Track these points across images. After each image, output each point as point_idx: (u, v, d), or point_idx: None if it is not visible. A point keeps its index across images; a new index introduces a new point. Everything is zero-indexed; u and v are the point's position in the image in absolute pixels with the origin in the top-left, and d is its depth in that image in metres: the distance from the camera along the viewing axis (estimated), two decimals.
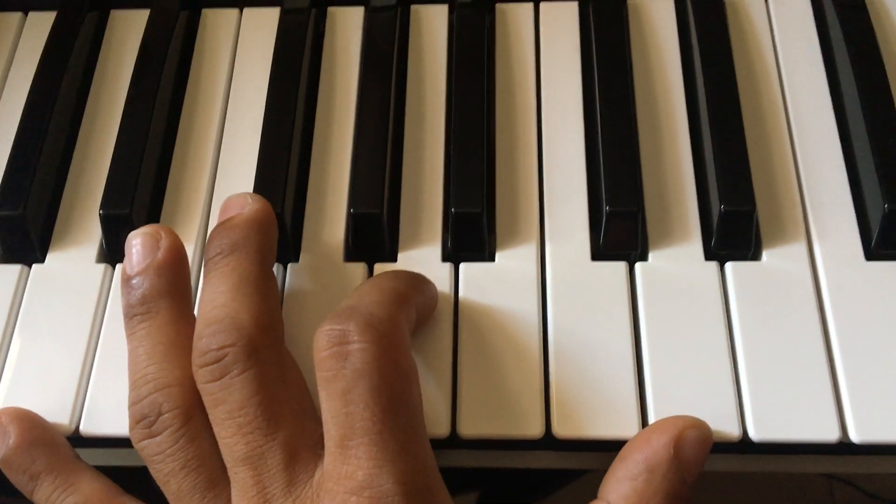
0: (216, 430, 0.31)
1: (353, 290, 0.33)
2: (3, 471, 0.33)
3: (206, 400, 0.31)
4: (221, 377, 0.30)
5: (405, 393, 0.30)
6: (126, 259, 0.34)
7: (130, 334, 0.33)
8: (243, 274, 0.32)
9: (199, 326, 0.31)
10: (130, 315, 0.33)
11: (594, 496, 0.32)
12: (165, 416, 0.31)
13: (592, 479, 0.34)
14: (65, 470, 0.33)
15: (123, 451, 0.36)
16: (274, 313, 0.32)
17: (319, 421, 0.31)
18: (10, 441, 0.33)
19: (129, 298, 0.33)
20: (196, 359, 0.31)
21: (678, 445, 0.31)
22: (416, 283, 0.34)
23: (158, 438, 0.31)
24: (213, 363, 0.30)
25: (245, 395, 0.30)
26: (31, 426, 0.33)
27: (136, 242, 0.34)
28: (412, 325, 0.33)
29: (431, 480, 0.30)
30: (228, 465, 0.30)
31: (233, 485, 0.30)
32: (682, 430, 0.31)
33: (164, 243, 0.34)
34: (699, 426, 0.32)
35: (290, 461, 0.30)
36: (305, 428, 0.31)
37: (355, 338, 0.29)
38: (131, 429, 0.32)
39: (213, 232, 0.34)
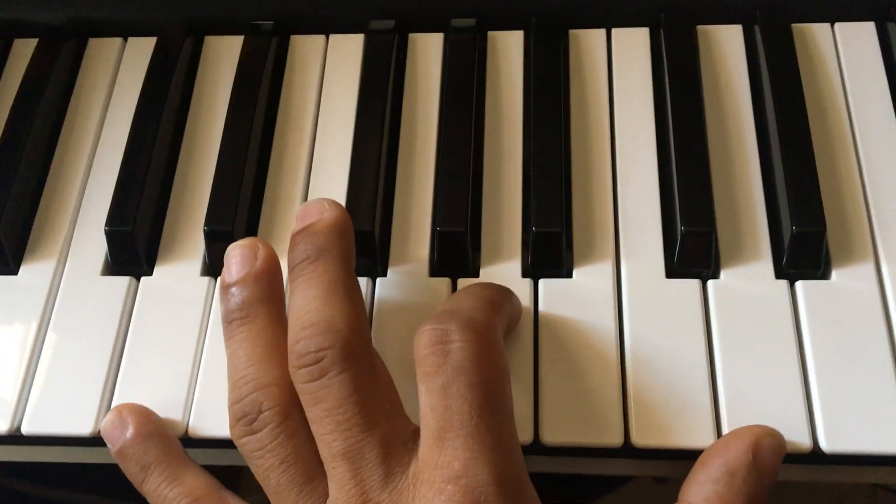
0: (314, 427, 0.32)
1: (449, 297, 0.35)
2: (119, 460, 0.36)
3: (305, 399, 0.33)
4: (320, 377, 0.32)
5: (500, 391, 0.32)
6: (225, 269, 0.36)
7: (229, 338, 0.35)
8: (332, 278, 0.34)
9: (294, 330, 0.33)
10: (230, 320, 0.35)
11: (646, 501, 0.34)
12: (266, 413, 0.33)
13: (638, 485, 0.35)
14: (173, 463, 0.35)
15: (221, 452, 0.38)
16: (363, 315, 0.34)
17: (408, 418, 0.33)
18: (129, 432, 0.35)
19: (229, 305, 0.35)
20: (294, 360, 0.33)
21: (756, 451, 0.33)
22: (507, 294, 0.36)
23: (259, 435, 0.33)
24: (311, 364, 0.32)
25: (343, 394, 0.32)
26: (148, 420, 0.36)
27: (236, 254, 0.36)
28: (504, 332, 0.35)
29: (521, 473, 0.31)
30: (326, 460, 0.32)
31: (330, 479, 0.32)
32: (759, 438, 0.33)
33: (262, 254, 0.36)
34: (774, 434, 0.34)
35: (386, 455, 0.31)
36: (397, 424, 0.32)
37: (456, 337, 0.31)
38: (232, 426, 0.34)
39: (295, 237, 0.36)
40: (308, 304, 0.33)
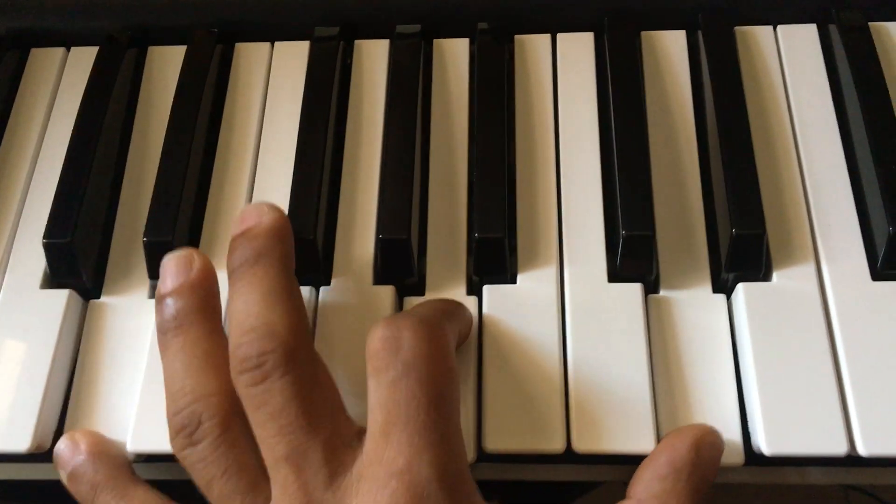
0: (257, 431, 0.32)
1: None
2: (70, 483, 0.35)
3: (247, 403, 0.32)
4: (262, 381, 0.32)
5: (449, 389, 0.32)
6: (161, 280, 0.36)
7: (165, 349, 0.35)
8: (272, 282, 0.34)
9: (235, 335, 0.33)
10: (164, 331, 0.35)
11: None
12: (205, 425, 0.33)
13: (606, 489, 0.35)
14: (122, 482, 0.35)
15: (167, 466, 0.38)
16: (303, 318, 0.34)
17: (351, 419, 0.33)
18: (80, 455, 0.35)
19: (164, 315, 0.35)
20: (236, 365, 0.32)
21: (698, 449, 0.34)
22: (459, 306, 0.36)
23: (199, 447, 0.33)
24: (253, 369, 0.32)
25: (286, 397, 0.32)
26: (99, 442, 0.36)
27: (171, 264, 0.36)
28: (456, 341, 0.35)
29: (465, 471, 0.32)
30: (269, 463, 0.32)
31: (273, 483, 0.32)
32: (701, 436, 0.34)
33: (197, 264, 0.36)
34: (713, 433, 0.35)
35: (329, 457, 0.31)
36: (341, 426, 0.32)
37: (408, 334, 0.32)
38: (172, 439, 0.33)
39: (234, 241, 0.35)
40: (248, 308, 0.33)
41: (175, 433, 0.33)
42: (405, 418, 0.30)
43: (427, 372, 0.31)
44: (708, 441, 0.34)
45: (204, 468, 0.33)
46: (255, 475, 0.33)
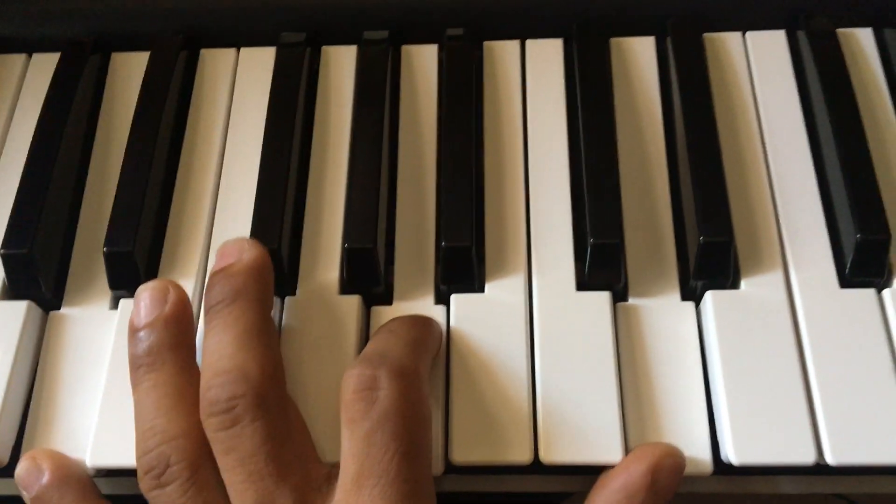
0: (226, 476, 0.32)
1: (376, 336, 0.35)
2: None
3: (216, 448, 0.32)
4: (232, 426, 0.32)
5: (422, 439, 0.32)
6: (134, 311, 0.35)
7: (136, 385, 0.34)
8: (247, 324, 0.34)
9: (206, 376, 0.33)
10: (137, 366, 0.34)
11: None
12: (174, 468, 0.32)
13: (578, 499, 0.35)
14: None
15: (127, 480, 0.37)
16: (277, 361, 0.34)
17: (320, 462, 0.33)
18: (44, 479, 0.34)
19: (136, 350, 0.34)
20: (206, 408, 0.32)
21: (655, 472, 0.33)
22: (430, 329, 0.36)
23: (168, 489, 0.32)
24: (223, 413, 0.32)
25: (255, 443, 0.31)
26: (63, 464, 0.35)
27: (145, 296, 0.35)
28: (429, 374, 0.35)
29: None
30: None
31: None
32: (659, 459, 0.33)
33: (171, 297, 0.35)
34: (674, 454, 0.34)
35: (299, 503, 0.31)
36: (310, 471, 0.32)
37: (384, 384, 0.31)
38: (141, 479, 0.33)
39: (212, 278, 0.35)
40: (221, 349, 0.33)
41: (143, 473, 0.33)
42: (378, 471, 0.30)
43: (402, 424, 0.31)
44: (666, 464, 0.33)
45: None
46: None
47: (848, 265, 0.37)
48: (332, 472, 0.33)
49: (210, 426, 0.32)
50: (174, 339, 0.34)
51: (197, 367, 0.35)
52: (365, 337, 0.38)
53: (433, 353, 0.35)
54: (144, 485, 0.33)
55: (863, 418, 0.34)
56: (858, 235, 0.37)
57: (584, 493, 0.35)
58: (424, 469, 0.32)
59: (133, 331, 0.35)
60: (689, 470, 0.34)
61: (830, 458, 0.34)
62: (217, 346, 0.33)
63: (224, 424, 0.32)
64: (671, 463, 0.33)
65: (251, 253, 0.35)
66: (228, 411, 0.32)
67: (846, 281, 0.37)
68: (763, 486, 0.36)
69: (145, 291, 0.35)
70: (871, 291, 0.37)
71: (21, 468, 0.35)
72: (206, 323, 0.34)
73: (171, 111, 0.43)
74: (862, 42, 0.44)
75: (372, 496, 0.30)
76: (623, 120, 0.42)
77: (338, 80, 0.45)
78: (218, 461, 0.32)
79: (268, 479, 0.31)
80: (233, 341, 0.33)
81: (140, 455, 0.33)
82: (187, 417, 0.33)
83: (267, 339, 0.34)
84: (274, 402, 0.32)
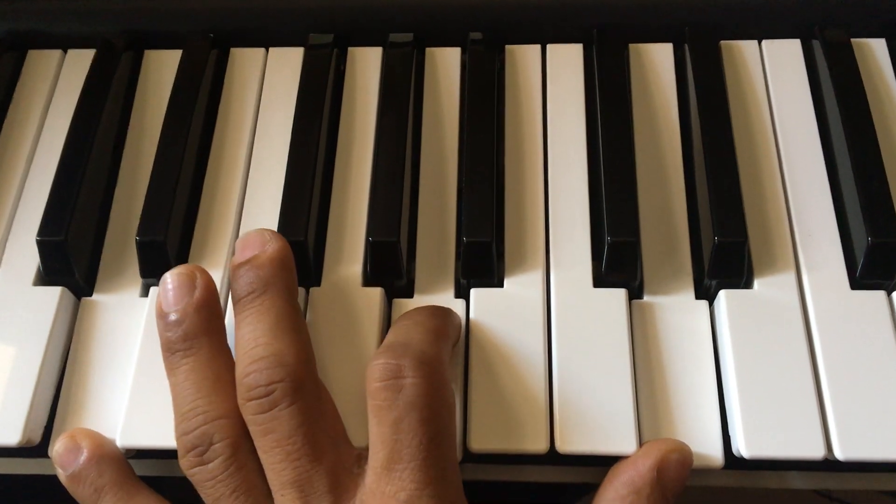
0: (263, 457, 0.33)
1: (398, 326, 0.36)
2: (71, 484, 0.36)
3: (254, 430, 0.34)
4: (270, 409, 0.33)
5: (448, 425, 0.33)
6: (162, 296, 0.36)
7: (174, 369, 0.35)
8: (279, 312, 0.35)
9: (243, 363, 0.34)
10: (173, 351, 0.35)
11: None
12: (217, 445, 0.34)
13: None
14: (126, 485, 0.36)
15: (155, 462, 0.38)
16: (309, 347, 0.35)
17: (351, 444, 0.35)
18: (83, 457, 0.35)
19: (171, 335, 0.35)
20: (244, 393, 0.34)
21: (661, 468, 0.34)
22: (450, 319, 0.37)
23: (210, 466, 0.34)
24: (261, 397, 0.33)
25: (293, 425, 0.33)
26: (101, 444, 0.36)
27: (173, 281, 0.36)
28: (450, 362, 0.36)
29: (462, 501, 0.33)
30: (275, 488, 0.33)
31: None
32: (666, 454, 0.34)
33: (200, 282, 0.36)
34: (681, 449, 0.34)
35: (333, 484, 0.33)
36: (343, 452, 0.34)
37: (409, 373, 0.32)
38: (181, 457, 0.34)
39: (238, 270, 0.36)
40: (256, 337, 0.34)
41: (185, 452, 0.34)
42: (407, 455, 0.32)
43: (428, 410, 0.32)
44: (673, 459, 0.34)
45: (213, 487, 0.34)
46: (263, 496, 0.34)
47: (859, 267, 0.38)
48: (363, 454, 0.34)
49: (248, 409, 0.33)
50: (208, 323, 0.36)
51: (230, 351, 0.36)
52: (386, 328, 0.39)
53: (453, 341, 0.36)
54: (186, 462, 0.34)
55: (871, 415, 0.35)
56: (870, 239, 0.37)
57: (597, 489, 0.36)
58: (450, 453, 0.33)
59: (163, 315, 0.36)
60: (700, 463, 0.35)
61: (839, 453, 0.34)
62: (252, 335, 0.34)
63: (263, 408, 0.33)
64: (678, 458, 0.34)
65: (275, 244, 0.36)
66: (267, 395, 0.33)
67: (857, 283, 0.38)
68: (772, 481, 0.37)
69: (172, 276, 0.36)
70: (881, 293, 0.38)
71: (59, 446, 0.36)
72: (238, 313, 0.36)
73: (201, 107, 0.45)
74: (876, 52, 0.45)
75: (402, 479, 0.32)
76: (640, 123, 0.43)
77: (363, 80, 0.46)
78: (256, 443, 0.34)
79: (304, 460, 0.33)
80: (267, 330, 0.34)
81: (181, 434, 0.34)
82: (226, 400, 0.34)
83: (298, 327, 0.35)
84: (309, 387, 0.34)
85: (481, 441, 0.36)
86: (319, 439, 0.33)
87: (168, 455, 0.36)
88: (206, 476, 0.34)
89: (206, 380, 0.35)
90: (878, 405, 0.35)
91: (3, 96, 0.46)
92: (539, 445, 0.35)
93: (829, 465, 0.35)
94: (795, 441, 0.35)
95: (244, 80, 0.46)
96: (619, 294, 0.38)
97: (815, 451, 0.35)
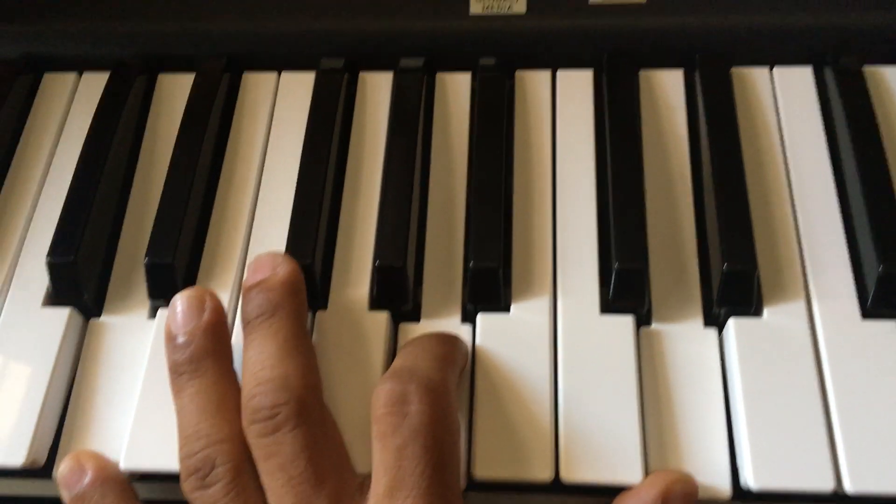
0: (266, 480, 0.33)
1: (405, 351, 0.36)
2: None
3: (257, 453, 0.34)
4: (274, 433, 0.33)
5: (452, 453, 0.33)
6: (170, 319, 0.36)
7: (179, 391, 0.36)
8: (287, 335, 0.35)
9: (249, 385, 0.34)
10: (179, 372, 0.36)
11: None
12: (219, 469, 0.34)
13: None
14: None
15: (159, 486, 0.38)
16: (315, 371, 0.35)
17: (354, 470, 0.34)
18: (87, 479, 0.35)
19: (177, 357, 0.36)
20: (249, 415, 0.34)
21: (666, 499, 0.33)
22: (458, 346, 0.37)
23: (211, 490, 0.33)
24: (266, 420, 0.33)
25: (296, 449, 0.33)
26: (104, 465, 0.36)
27: (182, 303, 0.36)
28: (456, 389, 0.35)
29: None
30: None
31: None
32: (670, 485, 0.34)
33: (209, 305, 0.36)
34: (686, 481, 0.34)
35: None
36: (345, 479, 0.34)
37: (415, 399, 0.32)
38: (184, 480, 0.34)
39: (248, 291, 0.36)
40: (263, 360, 0.34)
41: (188, 475, 0.34)
42: (410, 483, 0.31)
43: (432, 438, 0.32)
44: (678, 490, 0.34)
45: None
46: None
47: (870, 297, 0.38)
48: (365, 482, 0.34)
49: (252, 432, 0.33)
50: (215, 346, 0.36)
51: (236, 375, 0.36)
52: (392, 352, 0.39)
53: (460, 368, 0.36)
54: (188, 486, 0.34)
55: (882, 447, 0.35)
56: (881, 268, 0.37)
57: None
58: (454, 481, 0.33)
59: (171, 338, 0.36)
60: (707, 495, 0.35)
61: (849, 486, 0.34)
62: (259, 357, 0.34)
63: (267, 430, 0.33)
64: (682, 489, 0.34)
65: (286, 267, 0.37)
66: (271, 418, 0.33)
67: (867, 312, 0.38)
68: None
69: (182, 298, 0.37)
70: (892, 323, 0.37)
71: (64, 468, 0.36)
72: (246, 335, 0.36)
73: (213, 130, 0.45)
74: (888, 79, 0.45)
75: None
76: (650, 149, 0.43)
77: (374, 105, 0.46)
78: (258, 466, 0.33)
79: (306, 485, 0.32)
80: (274, 352, 0.34)
81: (184, 457, 0.34)
82: (231, 423, 0.34)
83: (306, 350, 0.35)
84: (314, 411, 0.34)
85: (486, 469, 0.35)
86: (322, 464, 0.33)
87: (172, 479, 0.36)
88: (208, 500, 0.33)
89: (210, 403, 0.35)
90: (890, 438, 0.35)
91: (18, 118, 0.47)
92: (544, 474, 0.35)
93: (838, 498, 0.35)
94: (804, 473, 0.34)
95: (256, 103, 0.47)
96: (627, 321, 0.38)
97: (825, 484, 0.34)
